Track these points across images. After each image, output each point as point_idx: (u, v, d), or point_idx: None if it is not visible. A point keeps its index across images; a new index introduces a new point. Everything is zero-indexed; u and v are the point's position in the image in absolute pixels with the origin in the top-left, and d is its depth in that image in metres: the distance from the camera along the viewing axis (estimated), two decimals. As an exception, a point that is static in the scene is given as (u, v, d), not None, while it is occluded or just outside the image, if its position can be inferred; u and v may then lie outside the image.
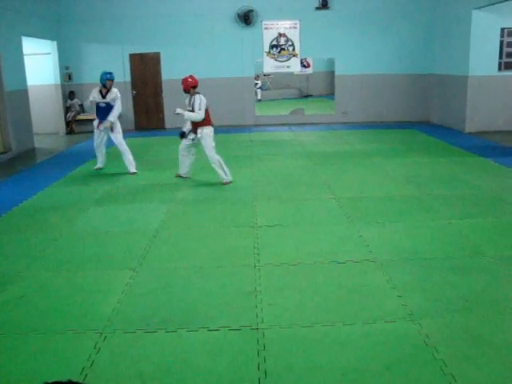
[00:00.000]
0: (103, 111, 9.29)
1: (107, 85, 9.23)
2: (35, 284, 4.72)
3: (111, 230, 6.23)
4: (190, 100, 8.29)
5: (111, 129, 9.33)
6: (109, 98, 9.27)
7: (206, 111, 8.21)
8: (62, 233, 6.14)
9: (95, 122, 9.48)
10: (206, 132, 8.24)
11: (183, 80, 8.38)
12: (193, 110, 8.17)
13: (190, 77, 8.39)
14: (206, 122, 8.23)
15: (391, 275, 4.66)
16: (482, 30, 12.57)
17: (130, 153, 9.42)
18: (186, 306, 4.18)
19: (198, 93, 8.30)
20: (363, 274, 4.74)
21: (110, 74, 9.28)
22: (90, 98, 9.37)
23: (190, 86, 8.27)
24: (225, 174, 8.40)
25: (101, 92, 9.27)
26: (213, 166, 8.38)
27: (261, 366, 3.35)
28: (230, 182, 8.40)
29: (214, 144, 8.30)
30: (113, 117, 9.26)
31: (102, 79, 9.20)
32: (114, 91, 9.30)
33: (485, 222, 6.12)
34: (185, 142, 8.54)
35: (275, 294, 4.37)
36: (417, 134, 13.20)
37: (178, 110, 8.27)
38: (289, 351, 3.50)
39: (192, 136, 8.40)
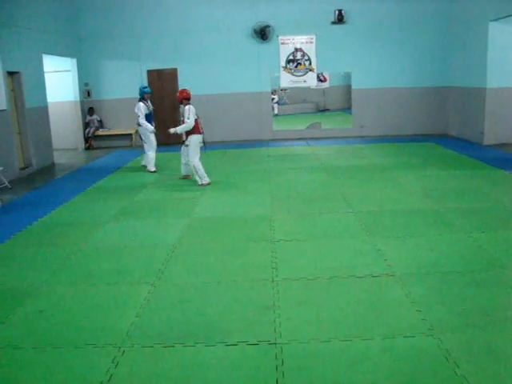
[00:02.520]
0: (150, 118, 11.13)
1: (146, 97, 11.02)
2: (54, 298, 4.76)
3: (129, 245, 6.27)
4: (182, 110, 9.36)
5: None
6: (151, 107, 11.26)
7: (196, 120, 9.21)
8: (80, 247, 6.19)
9: (152, 128, 11.08)
10: (193, 139, 9.26)
11: (178, 92, 9.63)
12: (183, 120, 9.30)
13: (184, 90, 9.54)
14: (194, 130, 9.24)
15: (410, 289, 4.61)
16: (499, 42, 12.51)
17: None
18: (204, 321, 4.18)
19: (189, 104, 9.28)
20: (382, 288, 4.69)
21: (146, 87, 11.25)
22: (150, 128, 10.99)
23: (183, 98, 9.38)
24: (199, 178, 9.37)
25: (147, 105, 11.06)
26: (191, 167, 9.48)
27: (279, 381, 3.32)
28: (208, 184, 9.36)
29: (198, 150, 9.31)
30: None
31: (141, 93, 11.02)
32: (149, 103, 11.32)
33: (504, 236, 6.03)
34: (182, 147, 9.68)
35: (293, 308, 4.35)
36: (435, 147, 13.12)
37: (171, 130, 9.50)
38: (307, 366, 3.48)
39: (187, 142, 9.44)
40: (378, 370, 3.40)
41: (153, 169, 11.12)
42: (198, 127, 9.29)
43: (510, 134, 12.99)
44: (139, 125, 11.01)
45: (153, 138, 11.11)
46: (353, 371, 3.40)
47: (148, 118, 11.01)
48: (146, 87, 11.17)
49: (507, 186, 8.48)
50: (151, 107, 11.23)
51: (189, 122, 9.12)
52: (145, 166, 11.33)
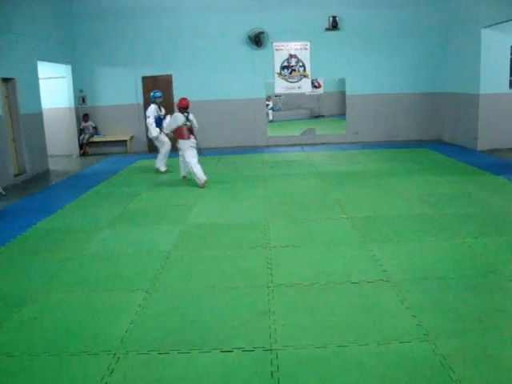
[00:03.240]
0: (161, 122, 11.34)
1: (157, 102, 11.30)
2: (48, 305, 4.74)
3: (124, 252, 6.26)
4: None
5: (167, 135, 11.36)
6: (163, 111, 11.51)
7: (181, 128, 9.82)
8: (75, 254, 6.17)
9: (155, 134, 11.31)
10: (181, 143, 9.93)
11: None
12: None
13: (182, 100, 10.02)
14: (178, 136, 9.94)
15: (405, 295, 4.62)
16: (491, 49, 12.61)
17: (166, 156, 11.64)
18: (199, 327, 4.17)
19: (181, 112, 9.91)
20: (377, 293, 4.70)
21: (157, 91, 11.46)
22: (155, 134, 11.26)
23: (178, 107, 10.06)
24: (198, 179, 9.79)
25: (159, 108, 11.37)
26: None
27: (275, 388, 3.32)
28: (205, 181, 9.80)
29: (192, 152, 9.85)
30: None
31: (152, 98, 11.37)
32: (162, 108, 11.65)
33: (499, 241, 6.06)
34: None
35: (289, 314, 4.35)
36: (429, 152, 13.17)
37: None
38: (303, 372, 3.47)
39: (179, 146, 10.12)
40: (374, 375, 3.40)
41: (162, 169, 11.55)
42: (182, 133, 9.84)
43: (503, 139, 13.07)
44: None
45: (162, 139, 11.37)
46: (348, 377, 3.40)
47: (157, 121, 11.27)
48: (156, 92, 11.45)
49: (501, 192, 8.52)
50: (163, 112, 11.49)
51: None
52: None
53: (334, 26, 14.88)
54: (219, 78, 15.20)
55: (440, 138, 15.43)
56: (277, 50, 15.14)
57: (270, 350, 3.77)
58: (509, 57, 12.78)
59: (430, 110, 15.41)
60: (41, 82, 13.03)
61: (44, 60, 13.08)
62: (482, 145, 13.04)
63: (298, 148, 14.93)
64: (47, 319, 4.45)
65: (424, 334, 3.89)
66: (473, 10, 13.06)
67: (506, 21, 11.53)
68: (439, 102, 15.27)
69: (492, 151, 12.75)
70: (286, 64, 15.22)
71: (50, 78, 14.56)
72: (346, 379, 3.38)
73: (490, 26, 12.26)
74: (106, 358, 3.74)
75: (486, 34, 12.52)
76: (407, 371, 3.43)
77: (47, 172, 12.61)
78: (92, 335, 4.11)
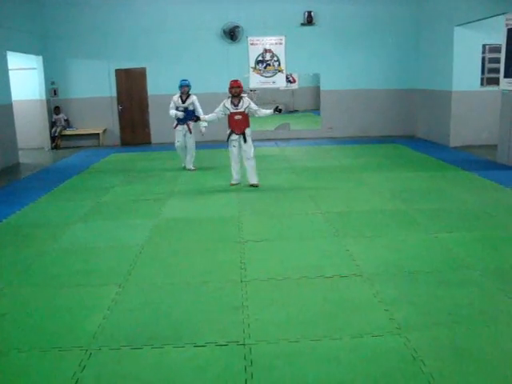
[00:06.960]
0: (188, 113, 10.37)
1: (183, 90, 10.37)
2: (19, 301, 4.66)
3: (97, 246, 6.18)
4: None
5: (190, 130, 10.58)
6: (187, 103, 10.42)
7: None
8: (46, 249, 6.07)
9: (174, 125, 10.64)
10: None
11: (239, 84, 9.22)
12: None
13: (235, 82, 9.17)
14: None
15: (378, 289, 4.66)
16: (464, 47, 12.79)
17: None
18: (173, 322, 4.15)
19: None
20: (350, 288, 4.73)
21: (185, 80, 10.49)
22: (172, 111, 10.48)
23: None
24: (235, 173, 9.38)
25: (181, 98, 10.46)
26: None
27: (248, 382, 3.31)
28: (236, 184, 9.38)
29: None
30: (201, 114, 10.13)
31: (179, 86, 10.45)
32: (193, 97, 10.47)
33: (470, 236, 6.15)
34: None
35: (262, 309, 4.35)
36: (402, 148, 13.31)
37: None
38: (276, 366, 3.48)
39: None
40: (347, 369, 3.43)
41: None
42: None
43: (474, 136, 13.27)
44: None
45: (177, 136, 10.66)
46: (321, 371, 3.41)
47: (188, 113, 10.36)
48: (184, 80, 10.52)
49: (472, 187, 8.65)
50: (193, 104, 10.46)
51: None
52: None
53: (310, 21, 14.92)
54: (194, 71, 15.05)
55: (413, 134, 15.61)
56: (252, 44, 15.11)
57: (244, 344, 3.77)
58: (480, 55, 12.98)
59: (403, 106, 15.57)
60: (10, 73, 12.75)
61: (14, 50, 12.81)
62: (454, 141, 13.23)
63: (272, 143, 14.95)
64: (17, 315, 4.37)
65: (396, 328, 3.93)
66: (446, 9, 13.23)
67: (478, 19, 11.70)
68: (413, 98, 15.44)
69: (464, 147, 12.94)
70: (260, 58, 15.20)
71: (21, 69, 14.27)
72: (320, 373, 3.39)
73: (462, 24, 12.44)
74: (78, 354, 3.69)
75: (459, 32, 12.70)
76: (380, 364, 3.46)
77: (18, 165, 12.37)
78: (63, 331, 4.05)
